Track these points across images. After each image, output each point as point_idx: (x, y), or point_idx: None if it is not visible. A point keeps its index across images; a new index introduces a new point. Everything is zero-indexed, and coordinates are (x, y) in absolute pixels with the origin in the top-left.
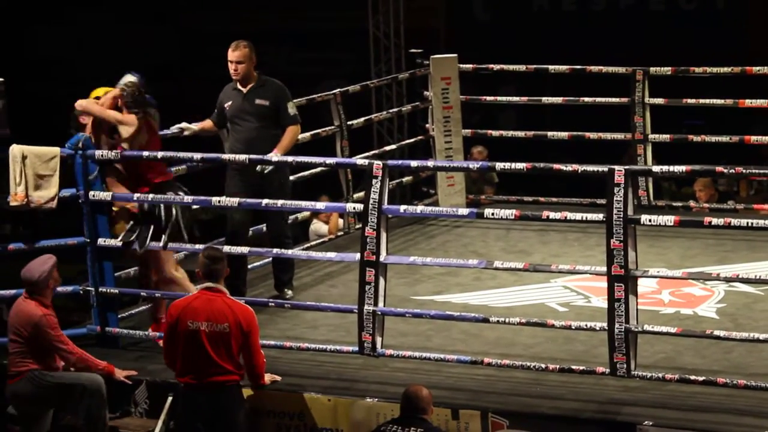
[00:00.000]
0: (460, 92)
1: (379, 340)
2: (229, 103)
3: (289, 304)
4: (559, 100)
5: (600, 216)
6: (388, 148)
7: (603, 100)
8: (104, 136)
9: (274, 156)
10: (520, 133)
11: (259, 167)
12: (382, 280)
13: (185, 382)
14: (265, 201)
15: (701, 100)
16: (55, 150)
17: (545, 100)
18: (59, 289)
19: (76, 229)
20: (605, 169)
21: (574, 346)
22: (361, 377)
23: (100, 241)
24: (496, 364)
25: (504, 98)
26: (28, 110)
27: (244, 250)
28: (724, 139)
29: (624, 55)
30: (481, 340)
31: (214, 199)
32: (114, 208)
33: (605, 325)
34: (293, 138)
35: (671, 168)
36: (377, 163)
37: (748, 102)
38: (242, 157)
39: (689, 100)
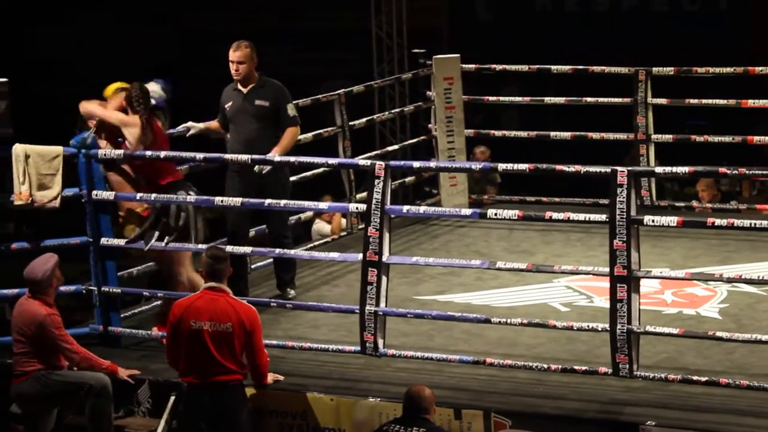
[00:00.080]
0: (462, 92)
1: (381, 340)
2: (230, 103)
3: (291, 304)
4: (561, 100)
5: (603, 216)
6: (390, 148)
7: (606, 100)
8: (108, 140)
9: (276, 156)
10: (523, 134)
11: (257, 167)
12: (384, 280)
13: (188, 381)
14: (267, 201)
15: (704, 101)
16: (58, 149)
17: (548, 100)
18: (62, 288)
19: (79, 228)
20: (608, 169)
21: (576, 346)
22: (363, 377)
23: (103, 240)
24: (498, 364)
25: (506, 98)
26: (29, 110)
27: (247, 250)
28: (727, 139)
29: (627, 56)
30: (484, 340)
31: (217, 199)
32: (121, 213)
33: (608, 325)
34: (292, 139)
35: (674, 169)
36: (380, 164)
37: (750, 102)
38: (244, 157)
39: (692, 101)
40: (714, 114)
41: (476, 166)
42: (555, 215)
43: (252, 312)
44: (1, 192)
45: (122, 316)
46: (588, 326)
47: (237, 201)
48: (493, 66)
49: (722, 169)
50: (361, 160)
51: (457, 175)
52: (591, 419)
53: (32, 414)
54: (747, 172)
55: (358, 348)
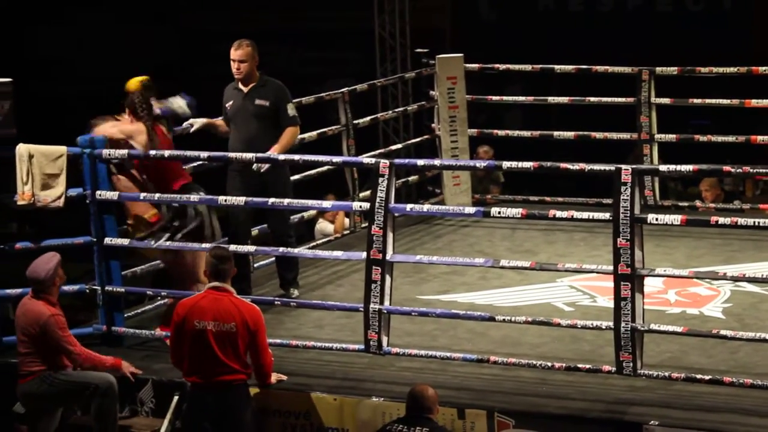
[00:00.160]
0: (466, 92)
1: (385, 338)
2: (230, 102)
3: (295, 303)
4: (565, 99)
5: (606, 215)
6: (394, 147)
7: (609, 99)
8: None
9: (280, 155)
10: (526, 133)
11: (255, 166)
12: (388, 279)
13: (192, 381)
14: (271, 200)
15: (707, 100)
16: (62, 149)
17: (551, 99)
18: (66, 288)
19: (81, 227)
20: (612, 168)
21: (580, 345)
22: (367, 376)
23: (107, 240)
24: (502, 363)
25: (510, 98)
26: (31, 110)
27: (250, 249)
28: (731, 139)
29: (630, 55)
30: (487, 339)
31: (221, 198)
32: (129, 222)
33: (611, 324)
34: (292, 138)
35: (678, 167)
36: (384, 162)
37: (754, 102)
38: (249, 156)
39: (695, 100)
40: (717, 114)
41: (480, 164)
42: (559, 214)
43: (256, 312)
44: (5, 192)
45: (125, 315)
46: (592, 325)
47: (241, 200)
48: (497, 65)
49: (726, 168)
50: (366, 159)
51: (461, 174)
52: (595, 418)
53: (36, 413)
54: (751, 171)
55: (362, 347)
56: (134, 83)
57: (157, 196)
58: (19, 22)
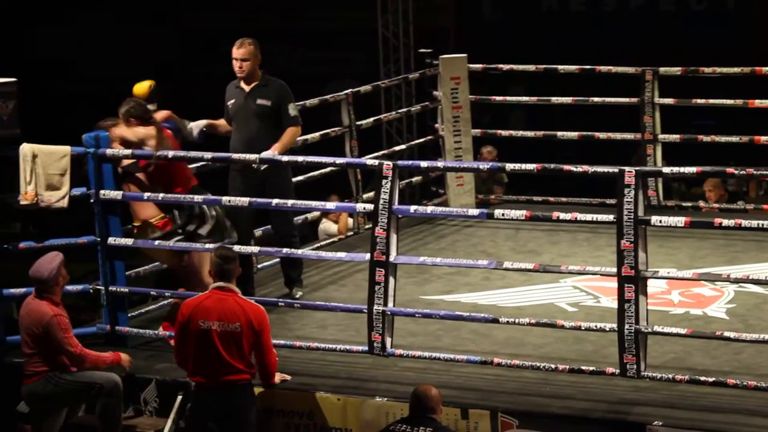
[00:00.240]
0: (469, 92)
1: (388, 339)
2: (232, 101)
3: (299, 304)
4: (568, 100)
5: (610, 217)
6: (397, 148)
7: (612, 100)
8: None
9: (284, 156)
10: (530, 133)
11: (255, 165)
12: (391, 280)
13: (197, 381)
14: (275, 201)
15: (711, 101)
16: (66, 149)
17: (555, 100)
18: (69, 287)
19: (85, 227)
20: (616, 170)
21: (583, 346)
22: (370, 377)
23: (111, 240)
24: (505, 364)
25: (513, 98)
26: (35, 109)
27: (254, 249)
28: (734, 139)
29: (634, 55)
30: (491, 340)
31: (225, 199)
32: (136, 223)
33: (615, 325)
34: (292, 138)
35: (682, 169)
36: (387, 164)
37: (757, 102)
38: (253, 156)
39: (699, 101)
40: (721, 114)
41: (484, 165)
42: (562, 215)
43: (260, 312)
44: (9, 192)
45: (129, 315)
46: (595, 326)
47: (245, 201)
48: (500, 66)
49: (730, 169)
50: (369, 160)
51: (464, 174)
52: (598, 419)
53: (41, 414)
54: (755, 172)
55: (366, 348)
56: (142, 88)
57: (161, 195)
58: (21, 22)
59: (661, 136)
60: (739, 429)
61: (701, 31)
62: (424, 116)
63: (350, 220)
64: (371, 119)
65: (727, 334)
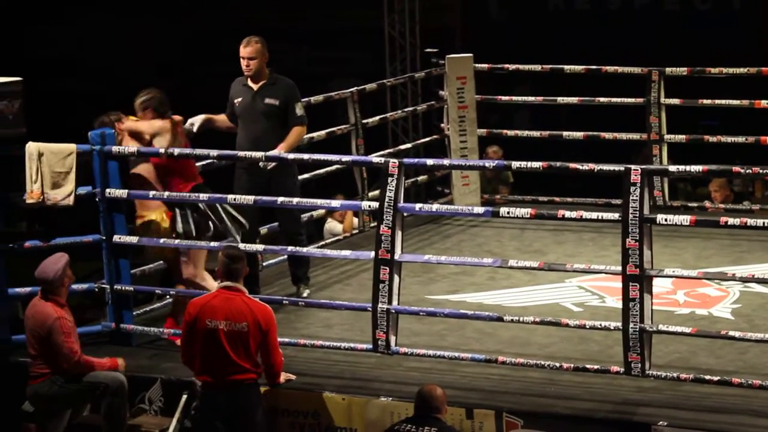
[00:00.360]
0: (475, 92)
1: (393, 338)
2: (239, 99)
3: (303, 303)
4: (574, 100)
5: (615, 215)
6: (403, 147)
7: (618, 100)
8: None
9: (290, 154)
10: (536, 133)
11: (261, 163)
12: (396, 279)
13: (203, 380)
14: (280, 199)
15: (717, 101)
16: (72, 147)
17: (561, 100)
18: (74, 286)
19: (90, 226)
20: (621, 168)
21: (588, 345)
22: (375, 376)
23: (116, 238)
24: (510, 363)
25: (519, 98)
26: (40, 108)
27: (259, 248)
28: (740, 139)
29: (639, 56)
30: (496, 339)
31: (230, 197)
32: (138, 221)
33: (620, 324)
34: (298, 138)
35: (688, 168)
36: (393, 161)
37: (764, 102)
38: (258, 154)
39: (705, 101)
40: (727, 114)
41: (489, 164)
42: (568, 214)
43: (267, 311)
44: (15, 190)
45: (134, 313)
46: (600, 325)
47: (250, 199)
48: (506, 65)
49: (736, 169)
50: (375, 158)
51: (470, 174)
52: (603, 419)
53: (46, 414)
54: (761, 171)
55: (371, 346)
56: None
57: (166, 194)
58: (23, 21)
59: (667, 137)
60: (744, 429)
61: (707, 31)
62: (430, 115)
63: (355, 219)
64: (377, 118)
65: (732, 333)
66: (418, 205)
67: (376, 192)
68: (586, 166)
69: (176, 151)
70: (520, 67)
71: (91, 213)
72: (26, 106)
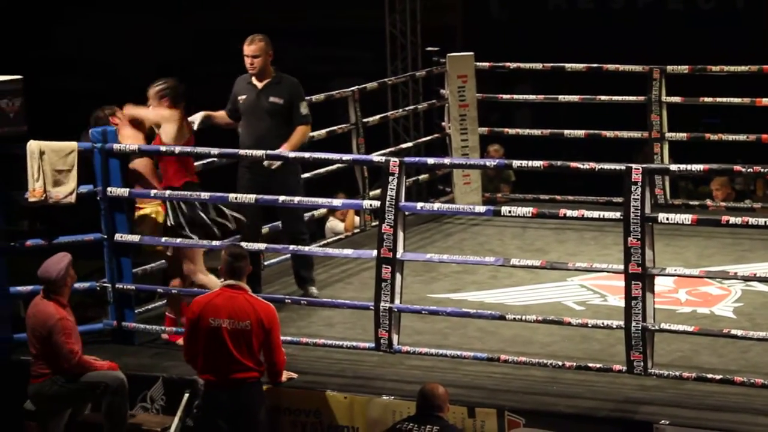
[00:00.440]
0: (476, 90)
1: (395, 337)
2: (243, 97)
3: (306, 301)
4: (575, 98)
5: (617, 214)
6: (404, 145)
7: (620, 98)
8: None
9: (291, 153)
10: (537, 132)
11: (266, 162)
12: (398, 277)
13: (206, 379)
14: (282, 198)
15: (718, 99)
16: (73, 145)
17: (562, 98)
18: (76, 285)
19: (92, 224)
20: (622, 167)
21: (590, 344)
22: (377, 375)
23: (117, 236)
24: (512, 361)
25: (520, 96)
26: (41, 107)
27: (261, 246)
28: (741, 137)
29: (642, 55)
30: (498, 338)
31: (231, 196)
32: (137, 212)
33: (622, 323)
34: (302, 137)
35: (689, 166)
36: (394, 160)
37: (765, 100)
38: (259, 152)
39: (706, 99)
40: (729, 112)
41: (491, 162)
42: (569, 213)
43: (271, 310)
44: (17, 189)
45: (136, 312)
46: (602, 323)
47: (251, 198)
48: (507, 64)
49: (737, 168)
50: (376, 157)
51: (471, 173)
52: (605, 417)
53: (47, 413)
54: (762, 170)
55: (373, 345)
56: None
57: (168, 193)
58: (26, 20)
59: (668, 135)
60: (746, 428)
61: (709, 30)
62: (431, 114)
63: (357, 218)
64: (378, 117)
65: (734, 332)
66: (419, 204)
67: (378, 191)
68: (586, 165)
69: (177, 149)
70: (521, 65)
71: (93, 211)
72: (27, 104)
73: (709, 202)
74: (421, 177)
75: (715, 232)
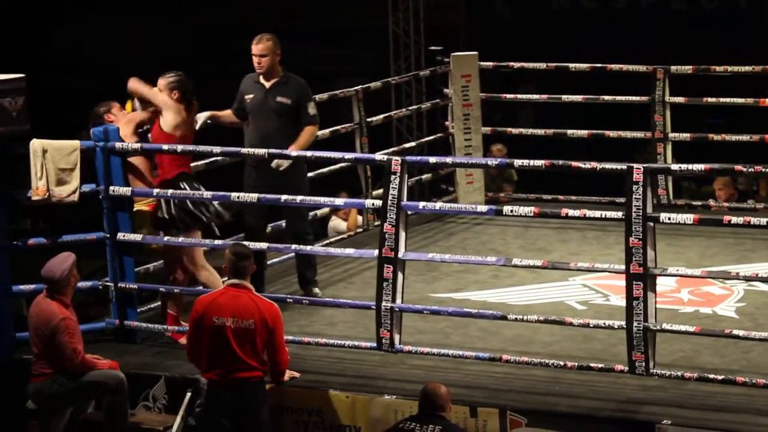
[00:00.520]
0: (480, 90)
1: (397, 336)
2: (251, 96)
3: (307, 301)
4: (579, 98)
5: (619, 214)
6: (407, 145)
7: (623, 98)
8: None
9: (293, 152)
10: (540, 131)
11: (274, 163)
12: (400, 277)
13: (209, 378)
14: (284, 197)
15: (722, 99)
16: (76, 143)
17: (565, 98)
18: (79, 284)
19: (95, 223)
20: (624, 167)
21: (592, 344)
22: (379, 374)
23: (120, 235)
24: (514, 361)
25: (524, 96)
26: (44, 106)
27: (263, 246)
28: (745, 138)
29: (646, 55)
30: (500, 337)
31: (233, 195)
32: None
33: (624, 323)
34: (310, 137)
35: (690, 166)
36: (396, 159)
37: None
38: (261, 151)
39: (710, 99)
40: (732, 112)
41: (492, 161)
42: (571, 212)
43: (274, 309)
44: (19, 188)
45: (138, 311)
46: (604, 323)
47: (253, 197)
48: (511, 63)
49: (738, 167)
50: (378, 155)
51: (474, 172)
52: (607, 417)
53: (47, 412)
54: (763, 170)
55: (374, 344)
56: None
57: (170, 192)
58: (28, 20)
59: (671, 135)
60: (748, 428)
61: (713, 30)
62: (435, 114)
63: (360, 217)
64: (381, 116)
65: (736, 332)
66: (421, 204)
67: (380, 190)
68: (588, 165)
69: (179, 147)
70: (525, 65)
71: (95, 210)
72: (30, 103)
73: (711, 202)
74: (424, 176)
75: (718, 232)
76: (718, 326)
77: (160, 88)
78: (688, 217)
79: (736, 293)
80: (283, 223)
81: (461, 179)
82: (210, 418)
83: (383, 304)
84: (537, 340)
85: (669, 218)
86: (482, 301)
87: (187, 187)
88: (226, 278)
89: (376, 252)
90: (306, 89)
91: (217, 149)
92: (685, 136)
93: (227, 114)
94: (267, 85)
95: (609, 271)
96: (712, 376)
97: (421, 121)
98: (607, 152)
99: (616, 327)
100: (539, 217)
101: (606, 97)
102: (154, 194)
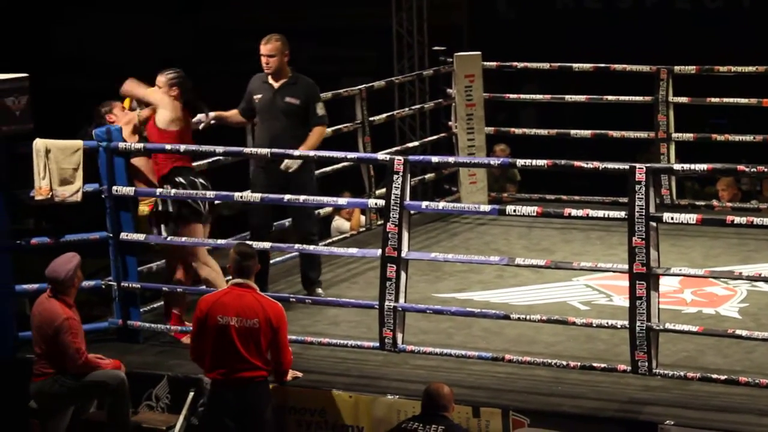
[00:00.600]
0: (483, 90)
1: (400, 336)
2: (259, 96)
3: (310, 300)
4: (582, 98)
5: (622, 214)
6: (410, 144)
7: (626, 98)
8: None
9: (295, 151)
10: (544, 131)
11: (284, 165)
12: (403, 276)
13: (213, 378)
14: (287, 197)
15: (725, 99)
16: (79, 143)
17: (569, 98)
18: (82, 283)
19: (98, 223)
20: (626, 166)
21: (595, 344)
22: (382, 374)
23: (123, 235)
24: (517, 361)
25: (527, 96)
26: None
27: (266, 245)
28: (748, 138)
29: (650, 54)
30: (502, 337)
31: (237, 195)
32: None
33: (627, 323)
34: (319, 138)
35: (692, 166)
36: (398, 159)
37: None
38: (264, 151)
39: (713, 99)
40: (735, 113)
41: (495, 161)
42: (574, 212)
43: (279, 309)
44: (22, 187)
45: (141, 310)
46: (607, 323)
47: (257, 197)
48: (515, 63)
49: (741, 167)
50: (381, 155)
51: (477, 172)
52: (610, 418)
53: (48, 412)
54: (766, 170)
55: (377, 344)
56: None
57: (173, 192)
58: (31, 20)
59: (674, 135)
60: (750, 428)
61: (717, 30)
62: (438, 113)
63: (362, 217)
64: (384, 115)
65: (739, 332)
66: (424, 203)
67: (384, 190)
68: (590, 165)
69: (182, 147)
70: (528, 65)
71: (99, 209)
72: (33, 102)
73: (715, 202)
74: (428, 176)
75: (721, 232)
76: (721, 326)
77: (159, 84)
78: (692, 218)
79: (739, 293)
80: (286, 222)
81: (464, 179)
82: (213, 417)
83: (386, 303)
84: (540, 340)
85: (672, 218)
86: (485, 301)
87: (183, 181)
88: (231, 278)
89: (379, 252)
90: (315, 90)
91: (219, 149)
92: (689, 136)
93: (233, 114)
94: (276, 85)
95: (612, 271)
96: (715, 376)
97: (424, 120)
98: (611, 152)
99: (619, 327)
100: (542, 217)
101: (609, 97)
102: (157, 194)
